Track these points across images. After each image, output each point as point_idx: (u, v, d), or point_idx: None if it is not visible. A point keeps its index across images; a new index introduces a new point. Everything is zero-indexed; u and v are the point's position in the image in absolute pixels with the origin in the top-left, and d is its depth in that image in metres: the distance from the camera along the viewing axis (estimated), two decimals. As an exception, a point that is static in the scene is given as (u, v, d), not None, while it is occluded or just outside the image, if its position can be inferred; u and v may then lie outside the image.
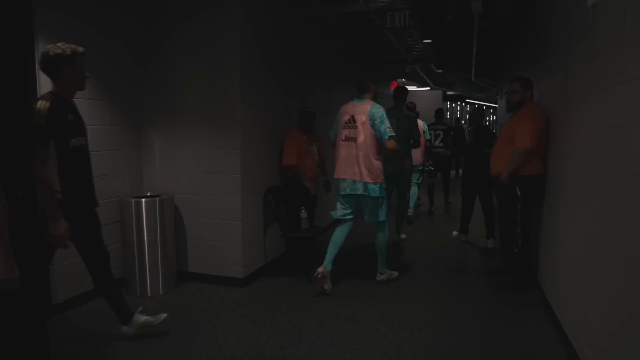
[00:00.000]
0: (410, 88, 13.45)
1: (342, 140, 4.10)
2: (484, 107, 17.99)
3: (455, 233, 6.11)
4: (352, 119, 4.06)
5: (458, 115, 18.06)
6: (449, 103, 16.19)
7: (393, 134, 3.94)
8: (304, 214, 4.61)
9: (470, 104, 18.15)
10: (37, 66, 3.26)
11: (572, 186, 3.08)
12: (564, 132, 3.40)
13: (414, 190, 7.18)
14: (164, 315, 3.22)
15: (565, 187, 3.29)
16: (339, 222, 4.26)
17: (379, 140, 3.99)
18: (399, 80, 11.85)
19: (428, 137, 7.41)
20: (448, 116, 16.28)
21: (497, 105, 14.15)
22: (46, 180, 2.63)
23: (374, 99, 4.15)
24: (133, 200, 3.92)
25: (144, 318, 3.17)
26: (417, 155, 6.77)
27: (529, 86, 4.05)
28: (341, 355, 2.95)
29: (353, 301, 3.88)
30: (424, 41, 6.90)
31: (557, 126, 3.61)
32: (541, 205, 4.05)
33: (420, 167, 7.34)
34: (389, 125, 3.94)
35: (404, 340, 3.17)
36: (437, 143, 7.85)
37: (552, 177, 3.77)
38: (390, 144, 3.92)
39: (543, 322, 3.47)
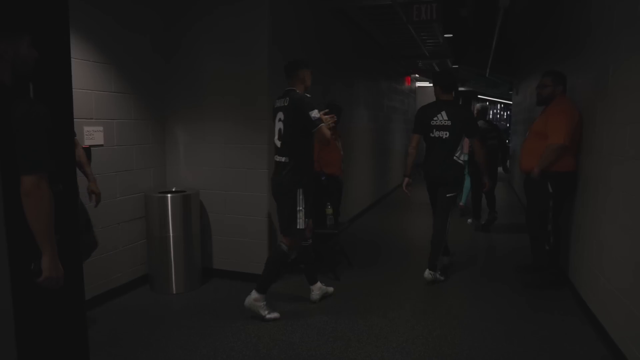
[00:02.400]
0: (422, 84, 13.37)
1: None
2: (487, 103, 17.92)
3: (469, 221, 6.49)
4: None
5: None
6: (460, 100, 16.06)
7: None
8: (329, 209, 4.55)
9: (482, 100, 18.03)
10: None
11: (613, 182, 3.00)
12: (603, 128, 3.31)
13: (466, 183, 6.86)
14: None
15: (603, 183, 3.21)
16: None
17: None
18: (413, 75, 11.75)
19: None
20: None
21: (510, 102, 14.02)
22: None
23: None
24: (158, 195, 3.86)
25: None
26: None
27: (561, 81, 3.96)
28: (379, 354, 2.89)
29: (383, 299, 3.82)
30: (445, 36, 6.80)
31: (595, 122, 3.52)
32: (573, 202, 3.98)
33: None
34: None
35: (441, 338, 3.10)
36: None
37: (585, 173, 3.69)
38: None
39: (577, 320, 3.40)
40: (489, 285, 4.20)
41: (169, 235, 3.88)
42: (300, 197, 3.36)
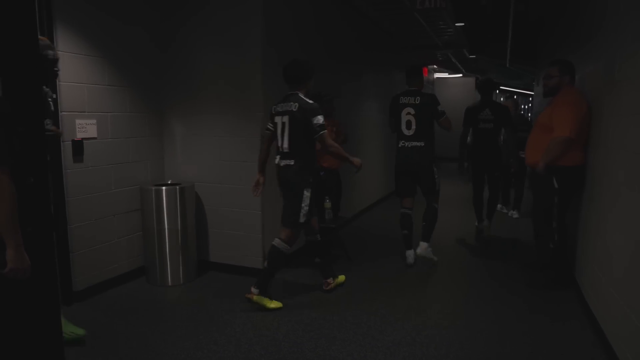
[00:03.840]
0: (441, 75, 13.09)
1: None
2: (515, 97, 17.38)
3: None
4: None
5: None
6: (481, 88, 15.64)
7: None
8: (327, 204, 4.48)
9: (505, 92, 17.54)
10: (56, 44, 3.23)
11: (622, 178, 2.83)
12: (610, 120, 3.12)
13: None
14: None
15: (610, 178, 3.03)
16: None
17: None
18: (430, 67, 11.50)
19: None
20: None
21: (532, 93, 13.59)
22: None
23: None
24: (153, 188, 3.87)
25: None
26: None
27: (569, 70, 3.77)
28: (362, 353, 2.82)
29: (377, 295, 3.74)
30: (456, 24, 6.59)
31: (602, 114, 3.33)
32: (580, 199, 3.79)
33: None
34: None
35: (430, 339, 3.01)
36: None
37: (594, 168, 3.50)
38: None
39: (579, 322, 3.24)
40: (489, 283, 4.06)
41: (164, 228, 3.89)
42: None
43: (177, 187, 3.93)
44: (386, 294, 3.76)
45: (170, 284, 3.95)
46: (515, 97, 15.78)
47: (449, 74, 13.08)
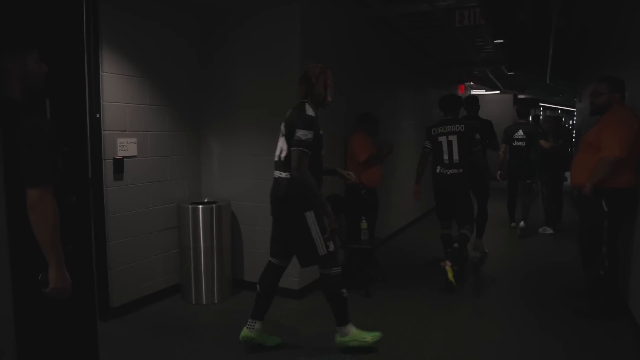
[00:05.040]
0: (477, 92, 12.87)
1: None
2: (559, 112, 16.88)
3: (513, 224, 6.82)
4: None
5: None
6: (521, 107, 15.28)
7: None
8: (364, 224, 4.40)
9: (546, 108, 17.08)
10: (101, 66, 3.33)
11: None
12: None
13: None
14: None
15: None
16: None
17: None
18: (467, 83, 11.33)
19: None
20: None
21: (574, 109, 13.16)
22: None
23: None
24: (190, 206, 3.90)
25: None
26: None
27: (619, 87, 3.59)
28: (400, 383, 2.71)
29: (417, 320, 3.61)
30: (495, 41, 6.46)
31: (655, 133, 3.14)
32: (633, 223, 3.57)
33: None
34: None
35: (471, 369, 2.87)
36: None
37: (647, 190, 3.30)
38: None
39: (632, 356, 3.02)
40: (530, 309, 3.86)
41: (200, 246, 3.90)
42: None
43: (214, 205, 3.95)
44: (420, 319, 3.63)
45: (204, 302, 3.94)
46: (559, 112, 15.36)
47: (486, 90, 12.84)
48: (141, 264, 3.77)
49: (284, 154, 2.88)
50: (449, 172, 4.39)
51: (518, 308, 3.91)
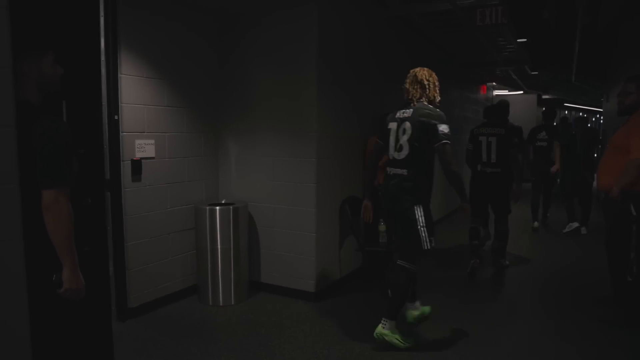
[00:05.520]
0: (501, 92, 12.64)
1: None
2: (581, 114, 16.47)
3: (536, 224, 6.96)
4: None
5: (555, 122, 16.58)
6: (542, 108, 14.93)
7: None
8: (382, 226, 4.33)
9: (571, 109, 16.67)
10: (120, 69, 3.36)
11: None
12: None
13: None
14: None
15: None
16: None
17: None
18: (489, 84, 11.13)
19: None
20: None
21: (601, 110, 12.80)
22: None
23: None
24: (207, 207, 3.90)
25: None
26: None
27: (648, 87, 3.45)
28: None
29: (434, 322, 3.54)
30: (518, 40, 6.31)
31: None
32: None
33: None
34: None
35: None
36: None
37: (678, 194, 3.16)
38: None
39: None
40: (557, 317, 3.73)
41: (217, 247, 3.90)
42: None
43: (231, 207, 3.94)
44: (440, 327, 3.54)
45: (221, 304, 3.94)
46: (584, 114, 14.98)
47: (509, 90, 12.59)
48: (159, 265, 3.79)
49: (405, 153, 3.05)
50: (488, 171, 4.62)
51: (539, 314, 3.80)
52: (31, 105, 1.88)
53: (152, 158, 3.67)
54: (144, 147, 3.59)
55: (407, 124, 3.05)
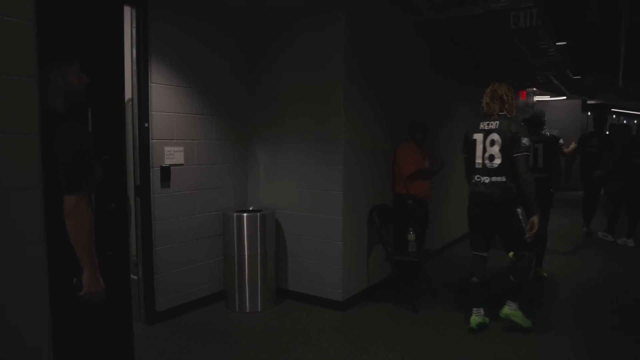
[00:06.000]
0: (542, 98, 12.21)
1: None
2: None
3: (585, 229, 6.96)
4: None
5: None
6: (588, 114, 14.30)
7: None
8: (411, 235, 4.24)
9: (619, 114, 15.89)
10: (150, 77, 3.44)
11: None
12: None
13: None
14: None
15: None
16: None
17: None
18: (529, 89, 10.77)
19: None
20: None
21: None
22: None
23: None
24: (235, 214, 3.93)
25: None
26: None
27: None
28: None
29: (462, 339, 3.41)
30: (557, 43, 6.07)
31: None
32: None
33: None
34: None
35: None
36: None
37: None
38: None
39: None
40: (593, 332, 3.52)
41: (245, 254, 3.92)
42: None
43: (258, 214, 3.96)
44: (469, 338, 3.41)
45: (248, 310, 3.95)
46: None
47: (551, 96, 12.14)
48: (187, 270, 3.84)
49: (498, 162, 3.38)
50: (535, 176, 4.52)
51: (579, 331, 3.59)
52: (56, 113, 1.94)
53: (181, 165, 3.74)
54: (173, 154, 3.67)
55: (496, 136, 3.38)
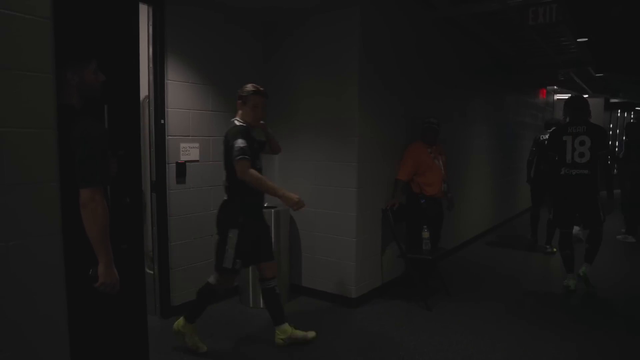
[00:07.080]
0: (561, 96, 11.97)
1: None
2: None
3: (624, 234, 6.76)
4: None
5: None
6: (611, 113, 13.99)
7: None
8: (426, 233, 4.21)
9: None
10: (166, 75, 3.49)
11: None
12: None
13: None
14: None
15: None
16: None
17: None
18: (549, 87, 10.57)
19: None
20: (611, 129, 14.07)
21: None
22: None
23: None
24: (249, 210, 3.95)
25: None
26: None
27: None
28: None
29: (475, 338, 3.38)
30: (578, 40, 5.95)
31: None
32: None
33: None
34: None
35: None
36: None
37: None
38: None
39: None
40: (612, 338, 3.46)
41: (258, 250, 3.94)
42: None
43: (273, 210, 3.98)
44: (485, 339, 3.38)
45: (261, 306, 3.96)
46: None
47: (572, 94, 11.90)
48: (201, 265, 3.89)
49: (587, 158, 4.17)
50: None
51: (599, 336, 3.52)
52: (73, 109, 1.98)
53: (197, 161, 3.79)
54: (188, 151, 3.71)
55: (586, 137, 4.19)
